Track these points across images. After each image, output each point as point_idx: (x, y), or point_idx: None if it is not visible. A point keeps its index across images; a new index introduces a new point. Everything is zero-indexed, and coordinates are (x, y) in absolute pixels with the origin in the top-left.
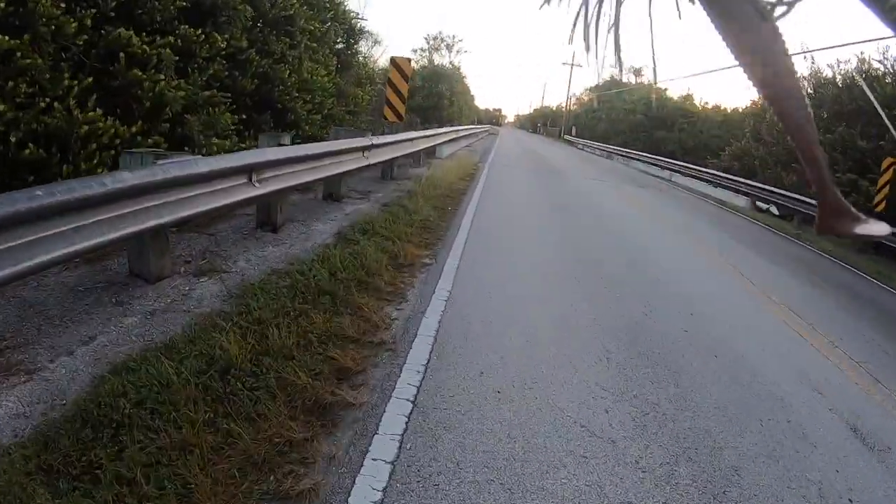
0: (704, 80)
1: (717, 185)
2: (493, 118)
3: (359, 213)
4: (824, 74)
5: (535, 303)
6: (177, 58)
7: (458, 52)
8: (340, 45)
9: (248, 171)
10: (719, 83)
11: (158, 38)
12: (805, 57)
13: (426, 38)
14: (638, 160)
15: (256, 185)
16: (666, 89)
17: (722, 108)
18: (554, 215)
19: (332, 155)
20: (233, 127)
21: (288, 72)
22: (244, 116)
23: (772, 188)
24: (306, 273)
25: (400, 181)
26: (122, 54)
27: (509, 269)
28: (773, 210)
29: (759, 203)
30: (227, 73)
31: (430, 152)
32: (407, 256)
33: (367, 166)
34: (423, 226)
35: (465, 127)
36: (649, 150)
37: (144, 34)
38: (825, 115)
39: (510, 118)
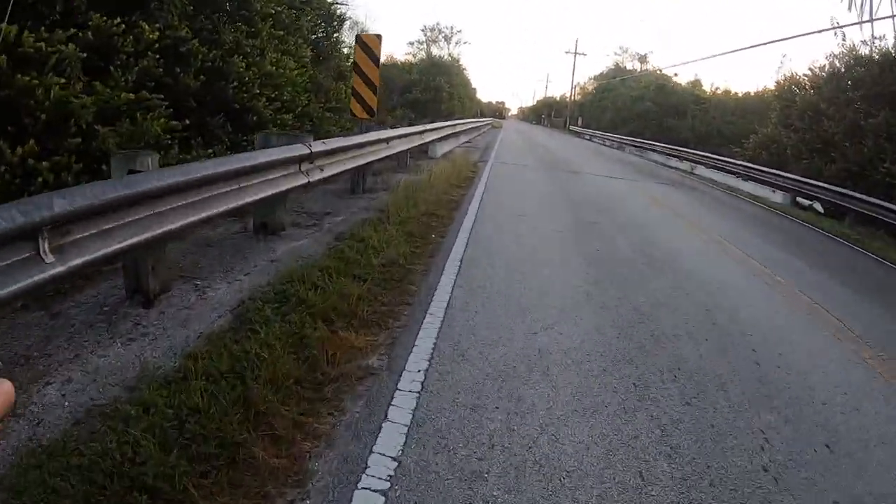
0: (709, 66)
1: (748, 179)
2: (497, 111)
3: (294, 256)
4: (859, 52)
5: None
6: (84, 54)
7: (457, 43)
8: (318, 35)
9: (34, 233)
10: (724, 68)
11: (60, 31)
12: (836, 33)
13: (423, 30)
14: (653, 151)
15: (47, 256)
16: (676, 75)
17: (732, 92)
18: (578, 237)
19: (227, 179)
20: (171, 135)
21: (244, 65)
22: (188, 122)
23: (814, 181)
24: (133, 420)
25: (375, 193)
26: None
27: (529, 382)
28: (818, 207)
29: (799, 199)
30: (162, 69)
31: (423, 151)
32: (338, 358)
33: (321, 181)
34: (385, 277)
35: (465, 121)
36: (659, 138)
37: (43, 28)
38: (861, 98)
39: (514, 111)
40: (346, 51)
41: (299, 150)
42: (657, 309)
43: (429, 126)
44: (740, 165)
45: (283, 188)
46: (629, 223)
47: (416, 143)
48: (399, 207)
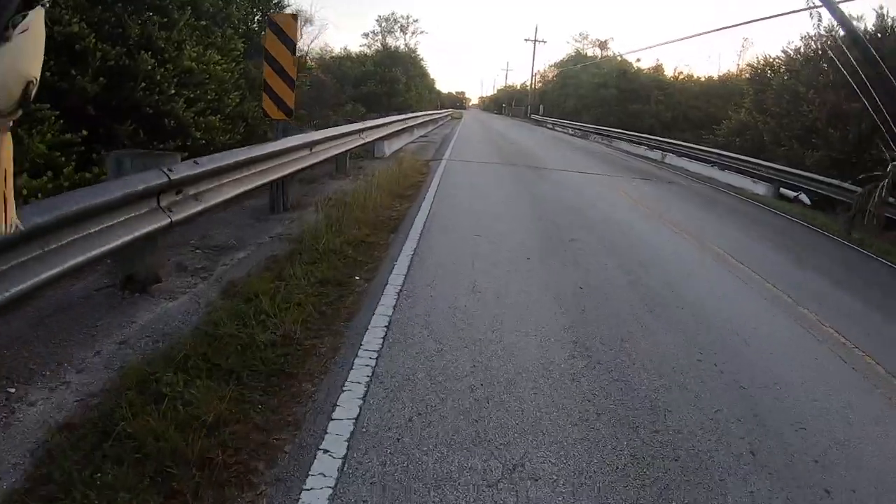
0: (670, 52)
1: (724, 168)
2: (457, 102)
3: (155, 332)
4: (837, 32)
5: None
6: None
7: (413, 33)
8: (252, 25)
9: None
10: (686, 54)
11: None
12: (811, 14)
13: (378, 20)
14: (620, 139)
15: None
16: (638, 60)
17: (695, 77)
18: (554, 268)
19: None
20: (62, 151)
21: (155, 61)
22: (85, 132)
23: (801, 172)
24: None
25: (299, 211)
26: None
27: None
28: (804, 199)
29: (784, 190)
30: (52, 73)
31: (369, 150)
32: None
33: (198, 214)
34: (269, 369)
35: (422, 113)
36: (624, 125)
37: None
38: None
39: (474, 101)
40: None
41: (153, 178)
42: (688, 415)
43: (371, 123)
44: (714, 153)
45: (121, 241)
46: (614, 239)
47: (354, 145)
48: (318, 236)
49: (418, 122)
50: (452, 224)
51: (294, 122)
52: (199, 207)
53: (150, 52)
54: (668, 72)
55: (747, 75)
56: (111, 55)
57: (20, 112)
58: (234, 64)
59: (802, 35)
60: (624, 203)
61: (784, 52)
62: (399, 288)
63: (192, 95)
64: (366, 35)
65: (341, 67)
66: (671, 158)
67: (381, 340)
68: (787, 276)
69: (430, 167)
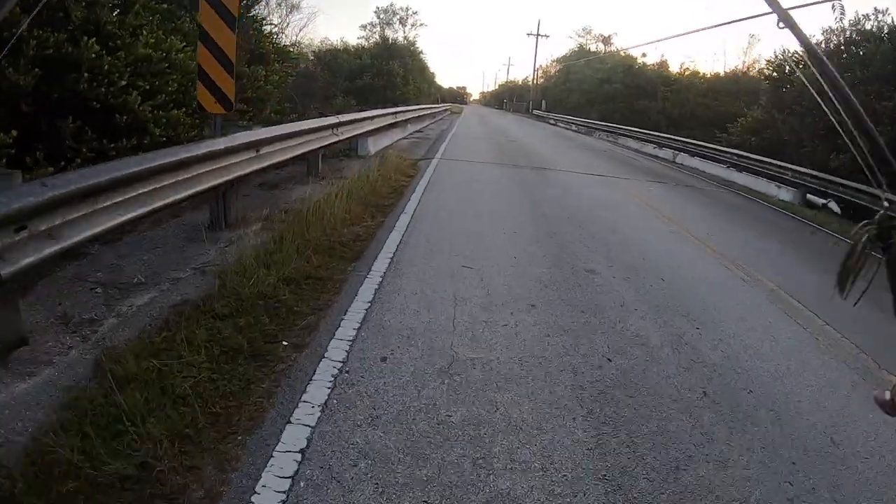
0: (673, 48)
1: (742, 170)
2: (458, 96)
3: None
4: (864, 26)
5: None
6: None
7: (413, 25)
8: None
9: None
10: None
11: None
12: (833, 7)
13: (376, 12)
14: (627, 136)
15: None
16: (644, 55)
17: (700, 73)
18: (570, 322)
19: None
20: None
21: (101, 48)
22: (14, 133)
23: (828, 176)
24: None
25: (240, 230)
26: None
27: None
28: (834, 207)
29: (811, 197)
30: None
31: (352, 148)
32: None
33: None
34: None
35: (415, 108)
36: (629, 121)
37: None
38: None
39: (475, 96)
40: (268, 28)
41: None
42: None
43: (349, 116)
44: (732, 154)
45: None
46: (642, 267)
47: (324, 143)
48: (251, 272)
49: (412, 115)
50: (433, 248)
51: (275, 116)
52: (56, 248)
53: (97, 39)
54: (673, 68)
55: (766, 70)
56: (50, 42)
57: None
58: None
59: (823, 29)
60: (643, 215)
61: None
62: (339, 368)
63: (149, 87)
64: (363, 27)
65: (337, 59)
66: (683, 158)
67: (287, 491)
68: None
69: (419, 168)
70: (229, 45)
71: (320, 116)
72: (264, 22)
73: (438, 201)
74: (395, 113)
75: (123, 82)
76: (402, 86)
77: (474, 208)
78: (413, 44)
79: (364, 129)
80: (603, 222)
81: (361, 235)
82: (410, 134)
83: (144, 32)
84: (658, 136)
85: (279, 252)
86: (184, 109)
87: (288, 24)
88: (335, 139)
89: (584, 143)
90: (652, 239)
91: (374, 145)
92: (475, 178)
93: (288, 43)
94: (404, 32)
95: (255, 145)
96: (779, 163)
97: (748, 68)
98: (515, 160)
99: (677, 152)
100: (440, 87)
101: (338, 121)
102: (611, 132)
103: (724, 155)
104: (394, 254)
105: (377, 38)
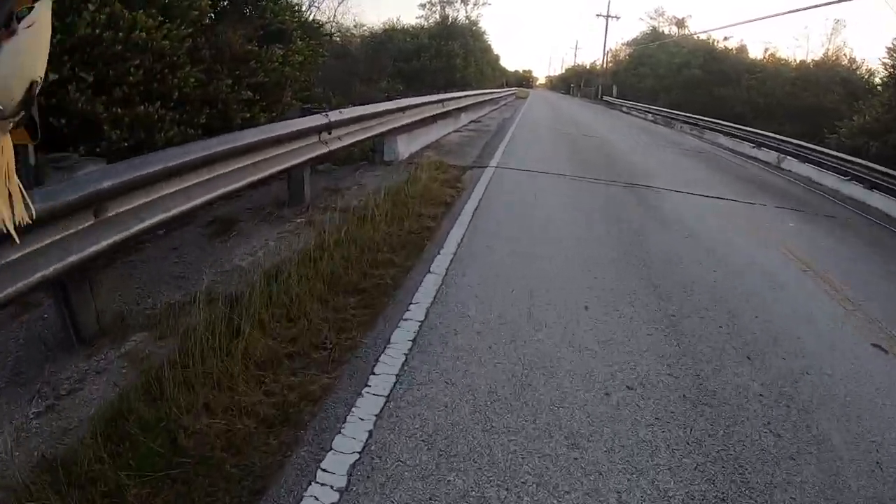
0: (749, 31)
1: (872, 187)
2: (524, 80)
3: None
4: None
5: None
6: None
7: (475, 4)
8: None
9: None
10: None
11: None
12: None
13: None
14: (716, 131)
15: None
16: (726, 38)
17: (786, 60)
18: None
19: None
20: None
21: None
22: None
23: None
24: None
25: (100, 356)
26: None
27: None
28: None
29: None
30: None
31: (377, 151)
32: None
33: None
34: None
35: (476, 93)
36: (709, 110)
37: None
38: None
39: (541, 79)
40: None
41: None
42: None
43: (354, 112)
44: (860, 166)
45: None
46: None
47: (293, 163)
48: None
49: (469, 102)
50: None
51: (296, 104)
52: None
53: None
54: (752, 54)
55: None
56: None
57: (22, 114)
58: (187, 29)
59: None
60: (822, 305)
61: None
62: None
63: (90, 78)
64: (422, 6)
65: (393, 40)
66: (790, 163)
67: None
68: None
69: (464, 185)
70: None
71: (310, 114)
72: None
73: (483, 275)
74: (442, 101)
75: (55, 75)
76: (462, 68)
77: (543, 294)
78: (476, 23)
79: (389, 127)
80: (759, 326)
81: (325, 385)
82: (464, 126)
83: (90, 7)
84: (758, 133)
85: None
86: (159, 104)
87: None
88: (323, 150)
89: (669, 137)
90: (861, 390)
91: (407, 146)
92: (546, 205)
93: (323, 20)
94: (466, 11)
95: (93, 202)
96: None
97: (837, 56)
98: (598, 169)
99: (783, 155)
100: (504, 71)
101: (328, 121)
102: (694, 125)
103: (851, 167)
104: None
105: (437, 17)
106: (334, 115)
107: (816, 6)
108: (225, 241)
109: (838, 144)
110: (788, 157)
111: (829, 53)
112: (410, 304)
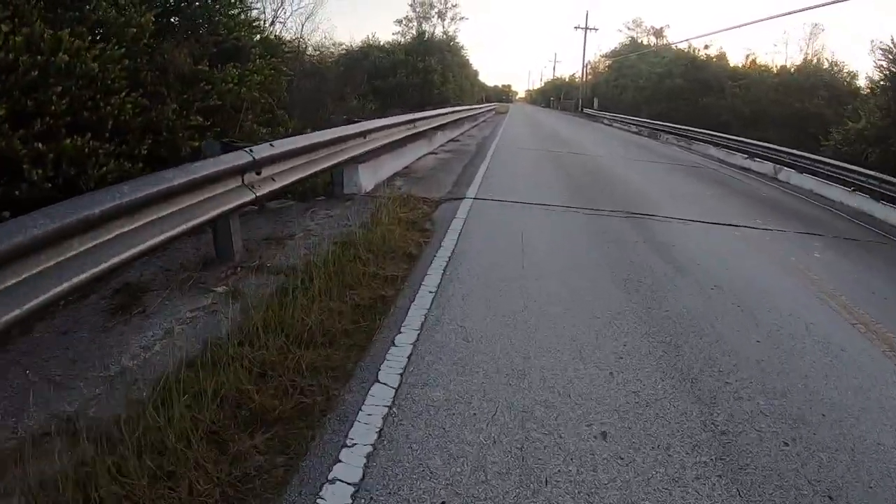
0: (728, 39)
1: (880, 199)
2: (503, 95)
3: None
4: None
5: None
6: None
7: (452, 19)
8: None
9: None
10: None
11: None
12: None
13: (412, 5)
14: (703, 141)
15: None
16: (706, 47)
17: (769, 66)
18: None
19: None
20: None
21: None
22: None
23: None
24: None
25: None
26: None
27: None
28: None
29: None
30: None
31: (328, 183)
32: None
33: None
34: None
35: (452, 110)
36: (694, 120)
37: None
38: None
39: (521, 94)
40: (235, 14)
41: None
42: None
43: (289, 145)
44: (864, 176)
45: None
46: None
47: (205, 218)
48: None
49: (444, 122)
50: None
51: (257, 128)
52: None
53: None
54: (733, 61)
55: (882, 62)
56: None
57: None
58: (120, 49)
59: None
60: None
61: None
62: None
63: (18, 109)
64: (398, 22)
65: (368, 57)
66: (789, 175)
67: None
68: None
69: (437, 224)
70: None
71: (225, 144)
72: (242, 6)
73: (453, 392)
74: (413, 121)
75: None
76: (440, 84)
77: (542, 390)
78: (453, 38)
79: (346, 157)
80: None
81: None
82: (441, 146)
83: (3, 28)
84: (750, 143)
85: None
86: (88, 136)
87: (289, 14)
88: (248, 196)
89: (658, 151)
90: None
91: (372, 175)
92: (534, 254)
93: (289, 38)
94: (443, 26)
95: None
96: None
97: (818, 59)
98: (591, 194)
99: (780, 167)
100: (484, 86)
101: (252, 159)
102: (682, 136)
103: (855, 177)
104: None
105: (413, 33)
106: (262, 151)
107: (793, 12)
108: (126, 322)
109: (835, 152)
110: (785, 168)
111: (809, 58)
112: (344, 444)
